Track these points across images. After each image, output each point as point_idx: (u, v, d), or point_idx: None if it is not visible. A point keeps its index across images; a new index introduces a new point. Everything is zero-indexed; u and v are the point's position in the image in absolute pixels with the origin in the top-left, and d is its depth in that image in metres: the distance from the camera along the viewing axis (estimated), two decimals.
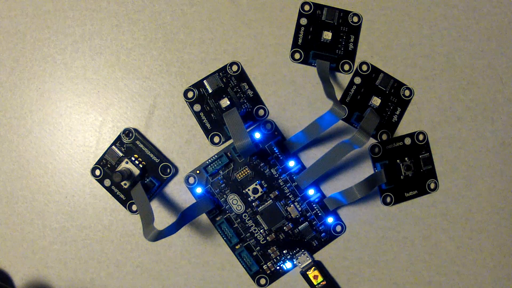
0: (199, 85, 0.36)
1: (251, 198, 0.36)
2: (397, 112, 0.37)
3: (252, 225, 0.36)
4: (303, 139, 0.34)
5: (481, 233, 0.37)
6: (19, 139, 0.37)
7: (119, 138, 0.36)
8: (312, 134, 0.34)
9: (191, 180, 0.36)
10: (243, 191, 0.36)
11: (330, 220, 0.36)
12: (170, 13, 0.36)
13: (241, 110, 0.36)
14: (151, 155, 0.35)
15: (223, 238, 0.36)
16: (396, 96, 0.37)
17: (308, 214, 0.36)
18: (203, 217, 0.36)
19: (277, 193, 0.36)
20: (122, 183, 0.35)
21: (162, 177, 0.36)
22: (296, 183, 0.36)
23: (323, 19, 0.37)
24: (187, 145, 0.36)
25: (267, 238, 0.36)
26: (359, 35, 0.37)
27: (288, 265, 0.36)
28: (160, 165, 0.35)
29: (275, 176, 0.36)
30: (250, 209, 0.36)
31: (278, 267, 0.36)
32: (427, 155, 0.37)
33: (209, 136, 0.36)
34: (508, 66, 0.37)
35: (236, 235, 0.36)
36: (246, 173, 0.36)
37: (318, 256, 0.37)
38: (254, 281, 0.36)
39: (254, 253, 0.36)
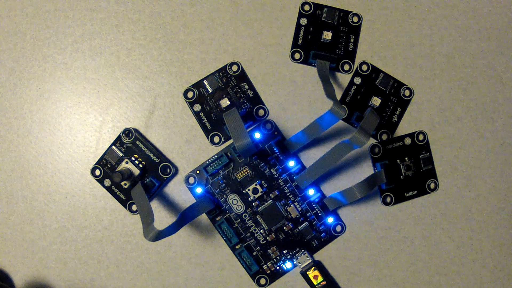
0: (199, 85, 0.36)
1: (251, 198, 0.36)
2: (397, 112, 0.37)
3: (252, 225, 0.36)
4: (303, 139, 0.34)
5: (481, 233, 0.37)
6: (19, 139, 0.37)
7: (119, 138, 0.36)
8: (312, 134, 0.34)
9: (191, 180, 0.36)
10: (243, 191, 0.36)
11: (330, 220, 0.36)
12: (170, 13, 0.36)
13: (241, 110, 0.36)
14: (151, 155, 0.35)
15: (223, 238, 0.36)
16: (396, 96, 0.37)
17: (308, 214, 0.36)
18: (203, 217, 0.36)
19: (277, 193, 0.36)
20: (122, 183, 0.35)
21: (162, 177, 0.36)
22: (296, 183, 0.36)
23: (323, 19, 0.37)
24: (187, 145, 0.36)
25: (267, 238, 0.36)
26: (359, 35, 0.37)
27: (288, 265, 0.36)
28: (160, 165, 0.35)
29: (275, 176, 0.36)
30: (250, 209, 0.36)
31: (278, 267, 0.36)
32: (427, 155, 0.37)
33: (209, 136, 0.36)
34: (508, 66, 0.37)
35: (236, 235, 0.36)
36: (246, 173, 0.36)
37: (318, 256, 0.37)
38: (254, 281, 0.36)
39: (254, 253, 0.36)
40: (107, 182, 0.36)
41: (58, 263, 0.37)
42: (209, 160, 0.36)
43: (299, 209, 0.36)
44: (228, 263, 0.36)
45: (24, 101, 0.36)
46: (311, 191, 0.36)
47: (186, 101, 0.36)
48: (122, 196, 0.36)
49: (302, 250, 0.36)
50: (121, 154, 0.36)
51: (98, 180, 0.36)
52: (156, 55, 0.36)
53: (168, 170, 0.35)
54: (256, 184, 0.35)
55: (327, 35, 0.37)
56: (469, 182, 0.37)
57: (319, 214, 0.36)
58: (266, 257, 0.36)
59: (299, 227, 0.36)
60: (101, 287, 0.36)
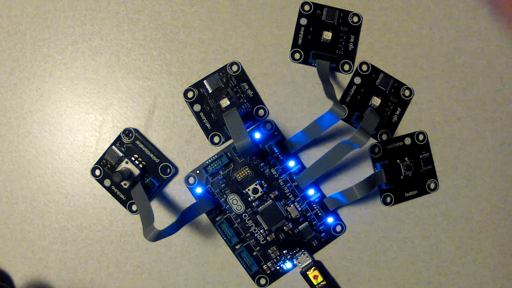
0: (199, 85, 0.36)
1: (251, 198, 0.36)
2: (397, 112, 0.37)
3: (252, 225, 0.36)
4: (303, 139, 0.34)
5: (481, 233, 0.37)
6: (19, 139, 0.37)
7: (119, 138, 0.36)
8: (312, 134, 0.34)
9: (191, 180, 0.36)
10: (243, 191, 0.36)
11: (330, 220, 0.36)
12: (170, 13, 0.36)
13: (241, 110, 0.36)
14: (151, 155, 0.35)
15: (223, 238, 0.36)
16: (396, 96, 0.37)
17: (308, 214, 0.36)
18: (203, 217, 0.36)
19: (277, 193, 0.36)
20: (122, 183, 0.35)
21: (162, 177, 0.36)
22: (296, 183, 0.36)
23: (323, 19, 0.37)
24: (187, 145, 0.36)
25: (267, 238, 0.36)
26: (359, 35, 0.37)
27: (288, 265, 0.36)
28: (160, 165, 0.35)
29: (275, 176, 0.36)
30: (250, 209, 0.36)
31: (278, 267, 0.36)
32: (427, 155, 0.37)
33: (209, 136, 0.36)
34: (508, 66, 0.37)
35: (236, 235, 0.36)
36: (246, 173, 0.36)
37: (318, 256, 0.37)
38: (254, 281, 0.36)
39: (254, 253, 0.36)
40: (107, 182, 0.36)
41: (58, 263, 0.37)
42: (209, 160, 0.36)
43: (299, 209, 0.36)
44: (228, 263, 0.36)
45: (24, 101, 0.36)
46: (311, 191, 0.36)
47: (186, 101, 0.36)
48: (122, 196, 0.36)
49: (302, 250, 0.36)
50: (121, 154, 0.36)
51: (98, 180, 0.36)
52: (156, 55, 0.36)
53: (168, 170, 0.35)
54: (256, 184, 0.35)
55: (327, 35, 0.37)
56: (469, 182, 0.37)
57: (319, 214, 0.36)
58: (266, 257, 0.36)
59: (299, 227, 0.36)
60: (101, 287, 0.36)
